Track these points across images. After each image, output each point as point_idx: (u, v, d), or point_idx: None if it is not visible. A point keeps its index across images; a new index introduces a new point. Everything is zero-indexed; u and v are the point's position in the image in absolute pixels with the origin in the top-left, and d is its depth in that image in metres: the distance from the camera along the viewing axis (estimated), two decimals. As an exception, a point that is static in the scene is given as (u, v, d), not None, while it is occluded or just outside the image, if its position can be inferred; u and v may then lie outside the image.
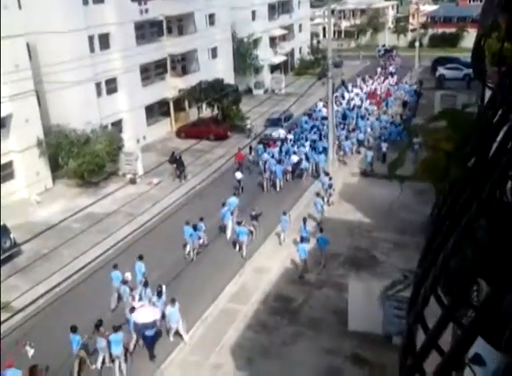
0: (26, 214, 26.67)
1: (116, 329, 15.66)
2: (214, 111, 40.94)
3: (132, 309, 16.88)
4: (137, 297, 17.96)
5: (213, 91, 39.03)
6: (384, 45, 72.64)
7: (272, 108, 44.25)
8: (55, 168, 30.90)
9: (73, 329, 15.57)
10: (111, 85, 35.33)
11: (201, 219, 22.75)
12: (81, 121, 30.83)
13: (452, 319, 1.76)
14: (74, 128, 30.63)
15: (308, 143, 32.86)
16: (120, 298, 18.74)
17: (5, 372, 14.16)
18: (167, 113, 41.09)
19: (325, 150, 31.13)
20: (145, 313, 16.27)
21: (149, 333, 16.09)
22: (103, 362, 15.94)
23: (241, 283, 20.64)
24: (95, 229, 24.83)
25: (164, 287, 18.04)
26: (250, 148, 32.99)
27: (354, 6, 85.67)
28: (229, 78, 45.16)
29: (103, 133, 32.15)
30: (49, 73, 30.28)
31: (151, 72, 39.39)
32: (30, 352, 15.28)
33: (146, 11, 37.06)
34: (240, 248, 22.44)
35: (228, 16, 47.35)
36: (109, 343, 15.59)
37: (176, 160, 31.30)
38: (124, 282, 18.48)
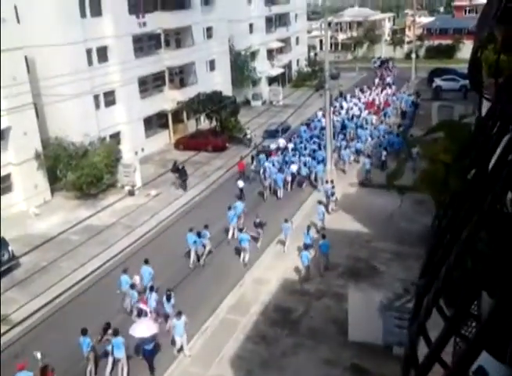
0: (24, 226, 26.62)
1: (116, 333, 15.84)
2: (213, 123, 41.06)
3: (140, 313, 17.15)
4: (147, 299, 18.22)
5: (211, 103, 39.15)
6: (379, 57, 73.08)
7: (270, 119, 44.38)
8: (54, 180, 30.89)
9: (84, 332, 15.88)
10: (109, 98, 35.44)
11: (206, 227, 22.97)
12: (80, 134, 30.89)
13: (455, 332, 1.75)
14: (73, 141, 30.69)
15: (307, 152, 33.12)
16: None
17: (18, 374, 14.41)
18: (165, 125, 41.18)
19: (323, 160, 31.29)
20: (142, 328, 16.12)
21: (148, 347, 16.00)
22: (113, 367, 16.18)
23: (241, 293, 20.59)
24: (94, 241, 24.78)
25: (172, 293, 18.27)
26: (252, 157, 33.26)
27: (350, 19, 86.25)
28: (227, 90, 45.35)
29: (102, 145, 32.21)
30: (47, 86, 30.40)
31: (149, 84, 39.53)
32: (38, 355, 15.29)
33: (144, 24, 37.30)
34: (243, 256, 22.56)
35: (226, 29, 47.69)
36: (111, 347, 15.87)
37: (179, 170, 31.46)
38: (132, 286, 18.81)
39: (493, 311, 1.57)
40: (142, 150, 37.78)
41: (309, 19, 75.72)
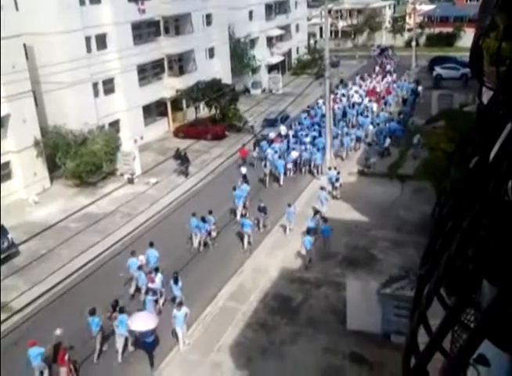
0: (24, 214, 26.62)
1: (121, 310, 16.23)
2: (212, 111, 40.94)
3: (148, 291, 17.67)
4: (154, 278, 18.50)
5: (210, 91, 39.00)
6: (379, 45, 72.69)
7: (269, 108, 44.29)
8: (53, 168, 30.83)
9: (92, 311, 16.21)
10: (108, 86, 35.28)
11: (210, 212, 23.08)
12: (79, 122, 30.77)
13: (456, 321, 1.75)
14: (72, 129, 30.59)
15: (308, 139, 33.13)
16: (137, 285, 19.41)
17: (30, 350, 14.76)
18: (164, 113, 41.03)
19: (323, 148, 31.29)
20: (140, 322, 15.99)
21: (148, 339, 15.97)
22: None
23: (241, 280, 20.65)
24: (93, 229, 24.80)
25: (178, 275, 18.62)
26: (254, 144, 33.21)
27: (351, 6, 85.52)
28: (227, 78, 45.15)
29: (101, 133, 32.11)
30: (46, 73, 30.22)
31: (148, 72, 39.32)
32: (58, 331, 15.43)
33: (143, 11, 37.02)
34: (247, 241, 22.81)
35: (226, 16, 47.32)
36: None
37: (181, 157, 31.51)
38: (140, 267, 19.17)
39: (495, 300, 1.56)
40: (142, 137, 37.68)
41: (309, 6, 75.00)
